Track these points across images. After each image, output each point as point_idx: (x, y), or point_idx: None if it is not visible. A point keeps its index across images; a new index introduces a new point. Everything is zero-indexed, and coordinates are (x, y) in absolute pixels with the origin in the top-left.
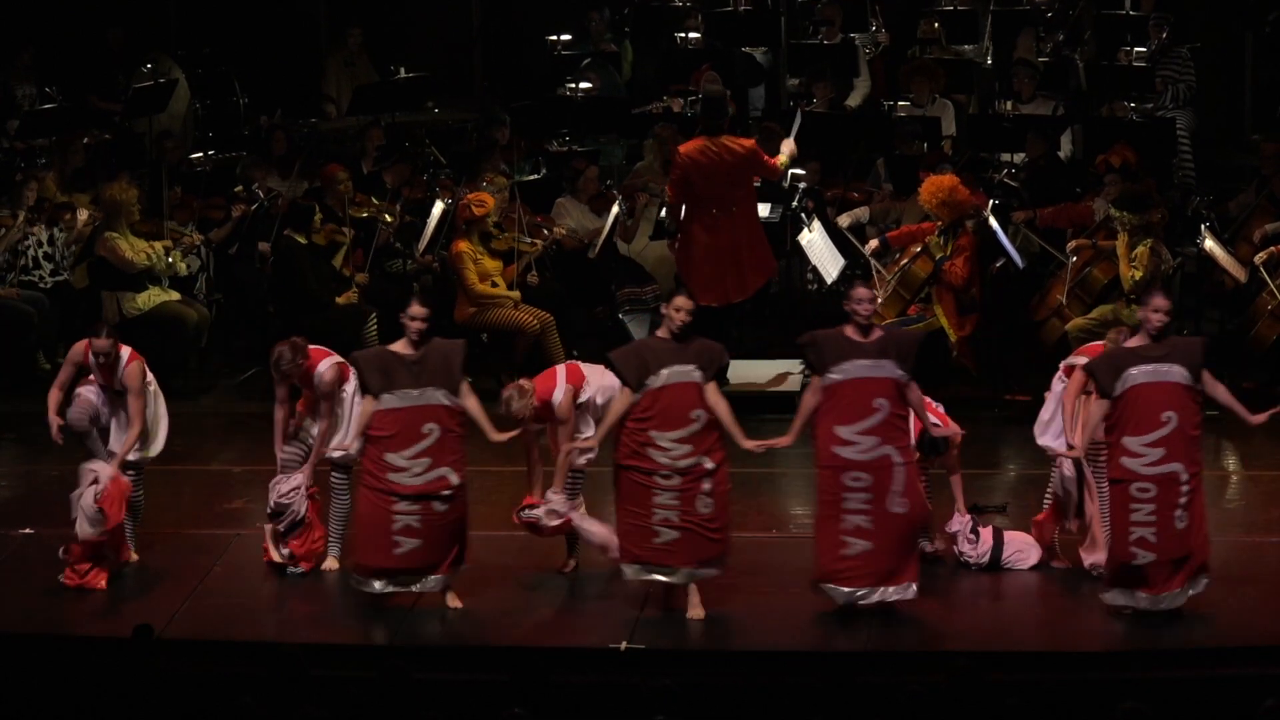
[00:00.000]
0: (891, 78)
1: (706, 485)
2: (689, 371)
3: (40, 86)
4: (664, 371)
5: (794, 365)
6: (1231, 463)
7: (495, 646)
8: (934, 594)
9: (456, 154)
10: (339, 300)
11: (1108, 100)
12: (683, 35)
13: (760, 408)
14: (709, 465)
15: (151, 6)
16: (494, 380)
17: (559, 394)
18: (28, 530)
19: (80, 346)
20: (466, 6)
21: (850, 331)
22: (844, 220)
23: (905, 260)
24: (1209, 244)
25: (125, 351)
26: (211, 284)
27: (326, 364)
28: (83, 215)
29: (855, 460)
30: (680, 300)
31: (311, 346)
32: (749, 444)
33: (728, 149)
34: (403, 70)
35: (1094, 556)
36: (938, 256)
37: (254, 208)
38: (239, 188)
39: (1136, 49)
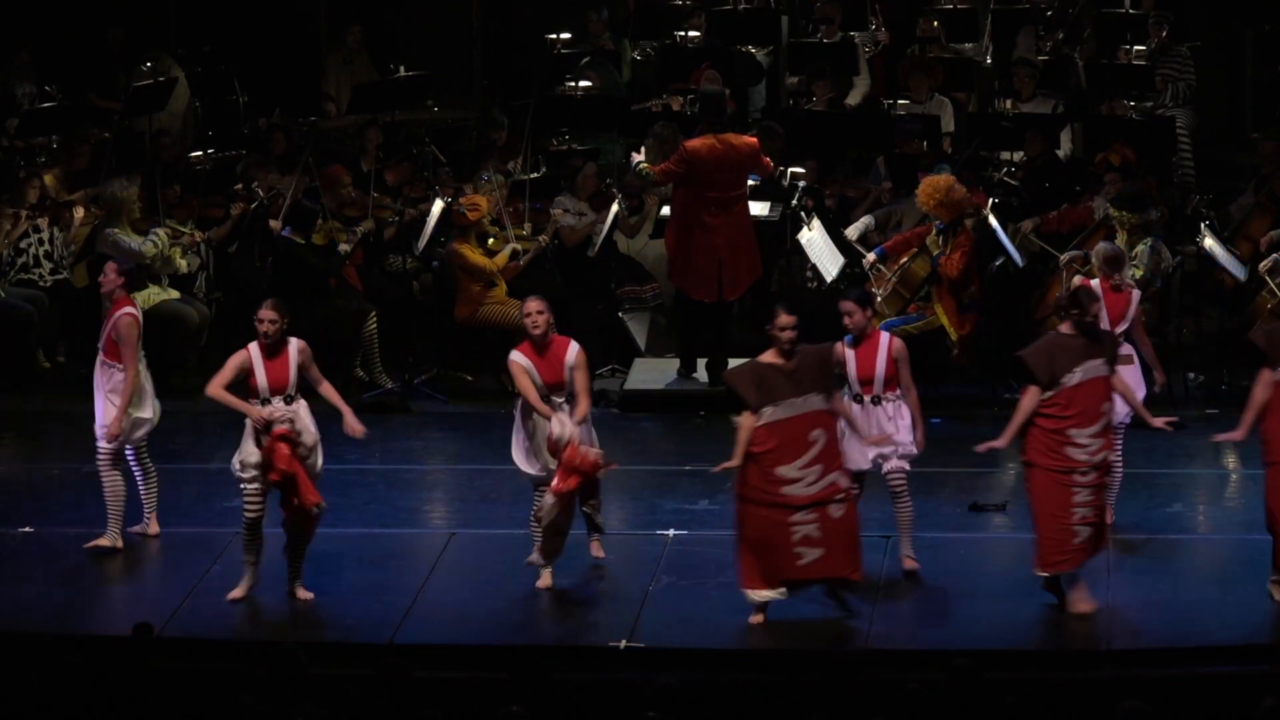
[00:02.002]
0: (891, 76)
1: (1107, 478)
2: (1099, 366)
3: (40, 85)
4: (1078, 369)
5: None
6: (1231, 461)
7: (495, 645)
8: (934, 593)
9: (456, 153)
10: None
11: (1108, 99)
12: (683, 34)
13: None
14: (1114, 458)
15: (151, 5)
16: (494, 380)
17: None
18: (28, 529)
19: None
20: (466, 5)
21: None
22: (852, 233)
23: (905, 259)
24: (1209, 242)
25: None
26: (211, 283)
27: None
28: (79, 213)
29: None
30: (1092, 308)
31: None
32: (1157, 422)
33: (733, 146)
34: (402, 69)
35: None
36: (934, 253)
37: (254, 206)
38: (239, 186)
39: (1136, 47)
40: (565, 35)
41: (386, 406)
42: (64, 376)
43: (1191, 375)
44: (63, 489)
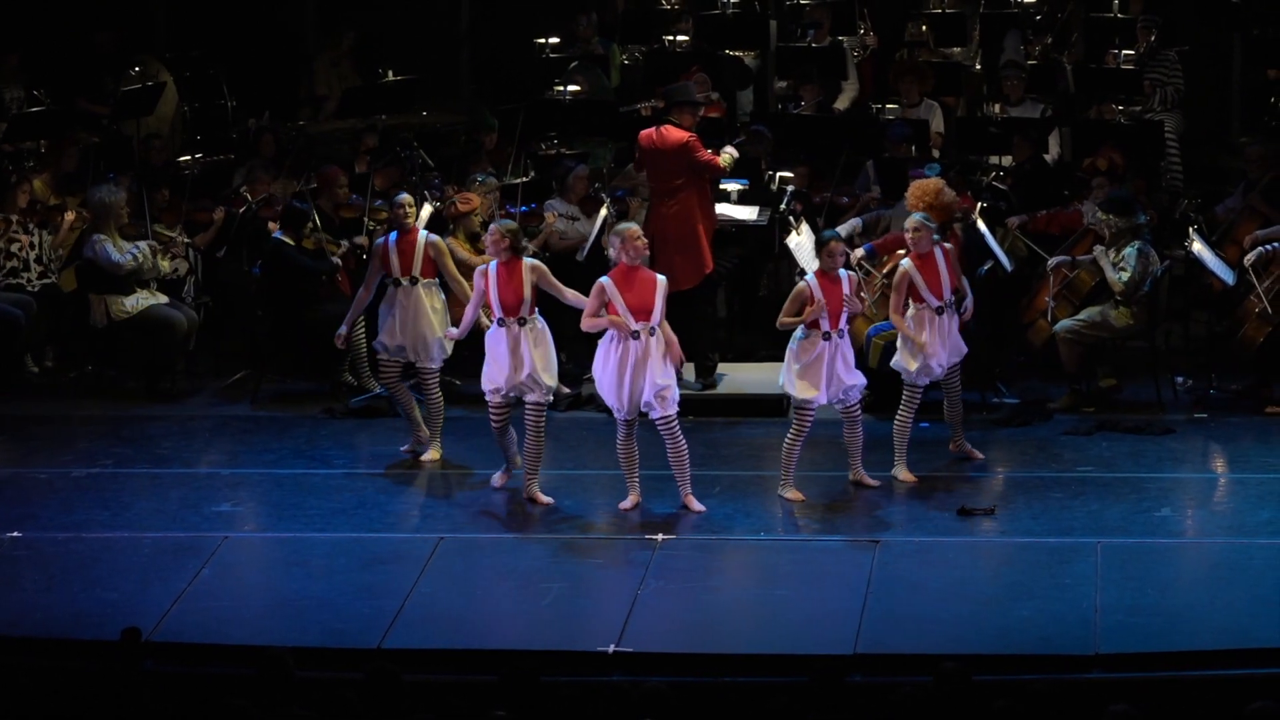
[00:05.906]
0: (879, 80)
1: None
2: None
3: (28, 89)
4: None
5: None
6: (1220, 465)
7: (484, 649)
8: (923, 597)
9: (445, 157)
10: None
11: (1096, 103)
12: (671, 38)
13: (747, 411)
14: None
15: (139, 9)
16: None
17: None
18: (15, 534)
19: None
20: (454, 9)
21: None
22: (840, 233)
23: (894, 263)
24: (1197, 246)
25: None
26: (199, 287)
27: None
28: (69, 217)
29: None
30: None
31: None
32: None
33: (664, 136)
34: (390, 73)
35: None
36: None
37: (243, 211)
38: (241, 188)
39: (1124, 51)
40: (553, 39)
41: (375, 411)
42: (51, 381)
43: (1180, 379)
44: (51, 494)
